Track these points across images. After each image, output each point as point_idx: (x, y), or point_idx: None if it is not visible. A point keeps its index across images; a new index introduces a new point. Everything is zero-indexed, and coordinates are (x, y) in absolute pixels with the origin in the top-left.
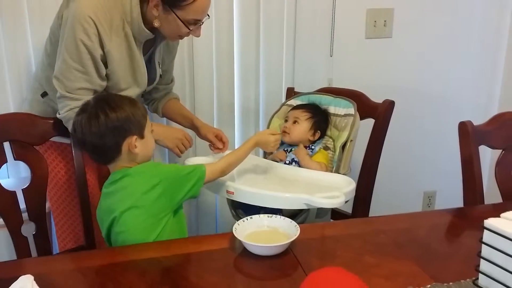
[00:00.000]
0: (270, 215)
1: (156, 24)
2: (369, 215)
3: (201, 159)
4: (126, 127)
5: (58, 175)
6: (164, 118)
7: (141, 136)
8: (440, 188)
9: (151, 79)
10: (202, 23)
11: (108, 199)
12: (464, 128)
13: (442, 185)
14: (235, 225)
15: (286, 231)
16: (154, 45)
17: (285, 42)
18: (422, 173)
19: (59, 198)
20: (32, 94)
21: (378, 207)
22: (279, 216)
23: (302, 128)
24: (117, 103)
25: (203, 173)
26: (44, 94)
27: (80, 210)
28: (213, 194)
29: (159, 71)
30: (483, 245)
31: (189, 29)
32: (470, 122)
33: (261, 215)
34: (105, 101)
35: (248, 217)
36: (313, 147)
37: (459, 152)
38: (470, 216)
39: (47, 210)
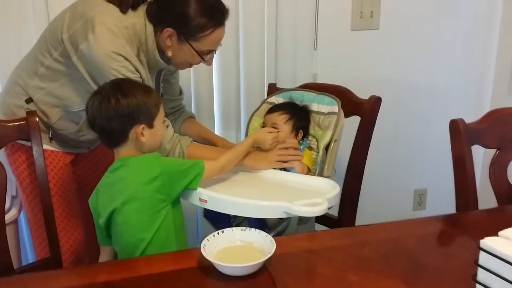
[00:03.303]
0: (243, 228)
1: (168, 54)
2: (357, 216)
3: None
4: (135, 115)
5: (26, 180)
6: None
7: (150, 126)
8: (432, 186)
9: None
10: (215, 52)
11: (108, 189)
12: (456, 127)
13: (433, 183)
14: (204, 241)
15: (261, 246)
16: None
17: (266, 35)
18: (412, 171)
19: (30, 204)
20: (11, 99)
21: (367, 207)
22: (253, 229)
23: (284, 133)
24: (130, 89)
25: (202, 169)
26: (29, 100)
27: (43, 219)
28: None
29: (161, 90)
30: (479, 268)
31: (204, 60)
32: (461, 120)
33: (234, 229)
34: (119, 87)
35: (220, 231)
36: None
37: (450, 151)
38: (463, 223)
39: (7, 221)
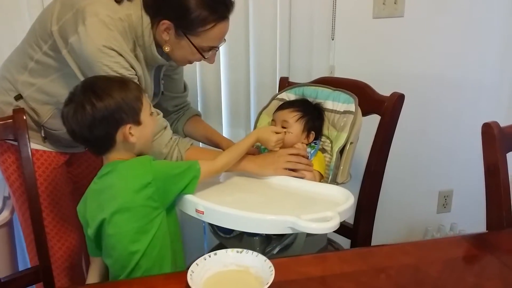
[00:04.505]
0: (239, 250)
1: (166, 49)
2: (376, 219)
3: None
4: (117, 117)
5: (16, 182)
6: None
7: (137, 123)
8: (458, 187)
9: (154, 96)
10: (218, 49)
11: (97, 197)
12: (489, 131)
13: (460, 183)
14: (193, 266)
15: (259, 272)
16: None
17: (278, 23)
18: (437, 171)
19: (21, 208)
20: None
21: (388, 209)
22: (250, 251)
23: (294, 133)
24: (104, 89)
25: (198, 172)
26: (18, 97)
27: (31, 225)
28: None
29: (161, 87)
30: None
31: (204, 57)
32: (495, 123)
33: (229, 250)
34: (91, 89)
35: (212, 253)
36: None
37: (481, 156)
38: (495, 244)
39: None
